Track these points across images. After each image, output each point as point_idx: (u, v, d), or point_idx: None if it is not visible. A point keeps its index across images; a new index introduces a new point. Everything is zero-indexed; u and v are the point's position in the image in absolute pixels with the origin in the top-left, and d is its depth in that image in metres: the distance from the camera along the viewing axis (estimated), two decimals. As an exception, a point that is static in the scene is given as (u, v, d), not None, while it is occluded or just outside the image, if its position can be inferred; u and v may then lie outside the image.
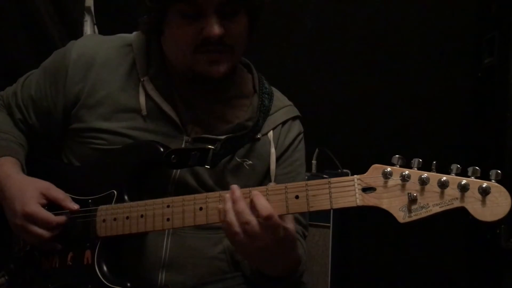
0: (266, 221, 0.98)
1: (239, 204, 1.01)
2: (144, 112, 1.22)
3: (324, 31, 2.50)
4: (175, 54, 1.23)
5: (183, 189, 1.19)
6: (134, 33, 1.31)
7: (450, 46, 2.40)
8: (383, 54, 2.46)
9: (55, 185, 1.24)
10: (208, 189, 1.21)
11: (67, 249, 1.18)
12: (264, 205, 0.99)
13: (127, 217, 1.14)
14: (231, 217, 1.01)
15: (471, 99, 2.36)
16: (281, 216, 1.02)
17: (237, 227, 1.00)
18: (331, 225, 2.11)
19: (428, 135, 2.41)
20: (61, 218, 1.16)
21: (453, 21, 2.40)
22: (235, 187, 1.04)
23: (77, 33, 2.16)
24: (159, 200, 1.12)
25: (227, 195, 1.04)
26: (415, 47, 2.43)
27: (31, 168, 1.28)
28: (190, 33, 1.15)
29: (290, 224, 1.03)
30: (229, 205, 1.02)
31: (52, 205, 1.19)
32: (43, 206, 1.17)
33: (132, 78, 1.25)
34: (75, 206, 1.18)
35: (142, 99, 1.23)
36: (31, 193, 1.16)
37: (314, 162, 2.27)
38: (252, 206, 1.00)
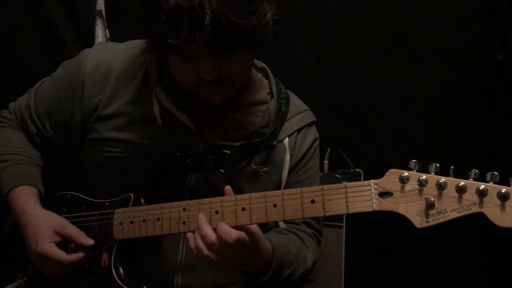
0: (236, 243, 1.02)
1: (203, 229, 1.05)
2: (160, 122, 1.22)
3: (336, 31, 2.49)
4: (178, 81, 1.21)
5: (198, 195, 1.19)
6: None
7: (463, 43, 2.37)
8: (395, 52, 2.44)
9: (73, 188, 1.26)
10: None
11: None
12: (226, 231, 1.03)
13: (144, 220, 1.15)
14: (199, 242, 1.05)
15: (485, 96, 2.34)
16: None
17: (206, 251, 1.04)
18: (344, 224, 2.11)
19: (441, 132, 2.39)
20: (74, 257, 1.15)
21: (466, 17, 2.37)
22: (200, 215, 1.08)
23: (89, 36, 2.17)
24: (175, 204, 1.13)
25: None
26: (427, 45, 2.41)
27: (49, 173, 1.29)
28: (187, 72, 1.14)
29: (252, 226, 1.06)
30: (196, 232, 1.07)
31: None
32: (58, 243, 1.16)
33: (146, 89, 1.24)
34: (90, 242, 1.17)
35: (157, 109, 1.22)
36: (44, 232, 1.15)
37: (326, 161, 2.26)
38: (218, 236, 1.04)
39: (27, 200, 1.21)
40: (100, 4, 2.27)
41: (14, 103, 1.38)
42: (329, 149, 2.26)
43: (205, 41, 1.00)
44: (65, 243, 1.17)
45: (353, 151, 2.24)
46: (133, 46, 1.29)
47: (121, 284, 1.14)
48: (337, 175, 2.19)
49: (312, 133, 1.38)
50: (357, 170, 2.19)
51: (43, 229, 1.16)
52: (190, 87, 1.17)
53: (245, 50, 1.12)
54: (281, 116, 1.29)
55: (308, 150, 1.35)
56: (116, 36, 2.30)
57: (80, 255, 1.16)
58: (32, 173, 1.27)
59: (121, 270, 1.16)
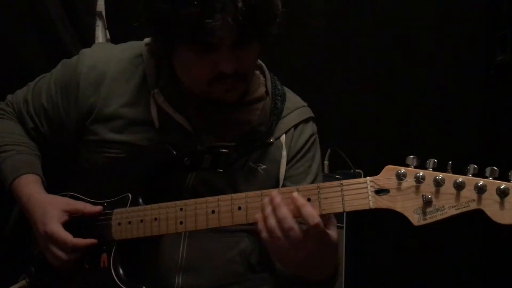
0: (313, 229, 0.96)
1: (281, 210, 0.97)
2: (157, 125, 1.22)
3: (337, 31, 2.49)
4: (187, 81, 1.20)
5: (197, 196, 1.17)
6: (145, 40, 1.29)
7: (463, 44, 2.37)
8: (395, 52, 2.44)
9: (72, 189, 1.26)
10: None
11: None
12: (311, 213, 0.96)
13: (141, 220, 1.15)
14: (272, 222, 0.97)
15: (484, 96, 2.34)
16: (326, 221, 0.99)
17: (278, 233, 0.97)
18: (344, 225, 2.11)
19: (442, 133, 2.39)
20: (78, 241, 1.15)
21: (466, 18, 2.37)
22: (275, 192, 1.01)
23: (89, 37, 2.17)
24: (172, 203, 1.13)
25: (265, 200, 1.01)
26: (427, 45, 2.41)
27: (48, 174, 1.29)
28: (203, 68, 1.12)
29: (333, 230, 1.01)
30: (269, 210, 0.99)
31: (77, 220, 1.19)
32: (66, 223, 1.17)
33: (143, 91, 1.24)
34: (97, 208, 1.18)
35: (154, 111, 1.22)
36: (51, 212, 1.17)
37: (326, 162, 2.26)
38: (298, 214, 0.97)
39: (32, 186, 1.23)
40: (101, 5, 2.27)
41: (12, 95, 1.38)
42: (329, 150, 2.26)
43: (238, 26, 1.01)
44: (72, 225, 1.17)
45: (353, 151, 2.24)
46: (131, 48, 1.30)
47: (120, 284, 1.14)
48: (337, 176, 2.19)
49: (309, 129, 1.36)
50: (357, 170, 2.19)
51: (50, 209, 1.17)
52: (203, 85, 1.16)
53: (257, 44, 1.14)
54: (276, 113, 1.29)
55: (304, 145, 1.34)
56: (116, 37, 2.30)
57: (84, 241, 1.16)
58: (34, 162, 1.28)
59: (121, 271, 1.15)
